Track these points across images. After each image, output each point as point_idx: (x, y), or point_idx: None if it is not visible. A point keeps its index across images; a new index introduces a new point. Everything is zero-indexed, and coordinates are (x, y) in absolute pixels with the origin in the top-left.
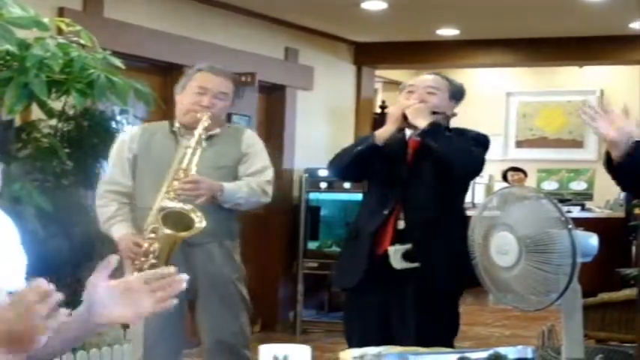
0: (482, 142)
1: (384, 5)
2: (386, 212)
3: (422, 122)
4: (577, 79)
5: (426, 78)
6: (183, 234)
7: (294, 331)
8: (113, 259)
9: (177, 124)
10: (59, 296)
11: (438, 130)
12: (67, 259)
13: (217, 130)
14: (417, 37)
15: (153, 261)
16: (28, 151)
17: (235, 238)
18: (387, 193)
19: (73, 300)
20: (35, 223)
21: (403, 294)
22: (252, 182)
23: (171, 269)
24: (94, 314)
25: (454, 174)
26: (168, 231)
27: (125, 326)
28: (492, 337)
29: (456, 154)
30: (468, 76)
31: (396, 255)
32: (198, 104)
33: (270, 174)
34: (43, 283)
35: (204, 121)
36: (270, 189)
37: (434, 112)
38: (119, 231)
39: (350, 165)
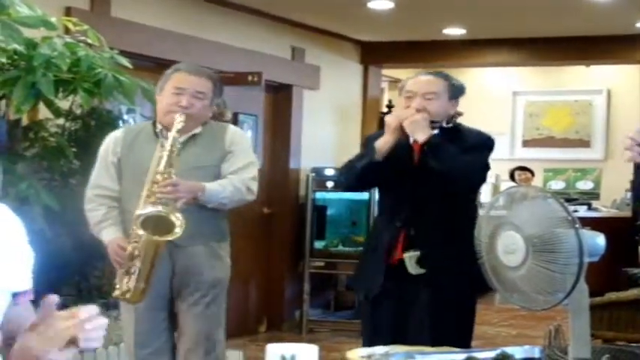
0: (485, 145)
1: (390, 5)
2: (399, 224)
3: (420, 136)
4: (584, 78)
5: (425, 82)
6: (161, 238)
7: (301, 330)
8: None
9: (159, 126)
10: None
11: (437, 146)
12: (74, 258)
13: (199, 129)
14: (423, 37)
15: (138, 264)
16: (35, 151)
17: (223, 239)
18: (398, 201)
19: (78, 298)
20: (42, 222)
21: (418, 300)
22: (236, 180)
23: (92, 309)
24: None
25: (458, 189)
26: (149, 236)
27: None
28: (499, 337)
29: (458, 170)
30: (474, 76)
31: (410, 261)
32: (177, 104)
33: (253, 170)
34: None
35: (178, 123)
36: (254, 185)
37: (433, 122)
38: (108, 235)
39: (357, 181)
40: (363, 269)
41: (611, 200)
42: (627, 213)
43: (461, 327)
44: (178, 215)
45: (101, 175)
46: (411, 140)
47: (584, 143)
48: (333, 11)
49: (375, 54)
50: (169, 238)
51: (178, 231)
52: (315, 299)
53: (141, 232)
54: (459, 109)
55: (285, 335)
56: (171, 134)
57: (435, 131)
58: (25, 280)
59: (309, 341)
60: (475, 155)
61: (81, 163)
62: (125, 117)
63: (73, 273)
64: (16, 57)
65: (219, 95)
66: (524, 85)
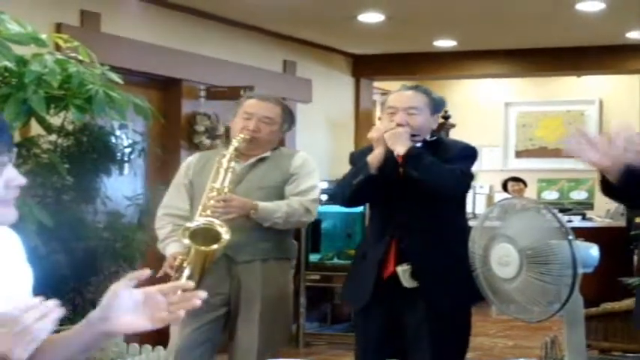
0: (467, 154)
1: (381, 17)
2: (390, 237)
3: (400, 149)
4: (576, 88)
5: (407, 97)
6: (203, 248)
7: (297, 343)
8: (146, 272)
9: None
10: (58, 312)
11: (418, 157)
12: (69, 275)
13: (267, 153)
14: (414, 49)
15: (186, 273)
16: (28, 167)
17: (283, 257)
18: (388, 213)
19: (74, 315)
20: (36, 239)
21: (413, 312)
22: (294, 201)
23: (190, 284)
24: (106, 319)
25: (440, 198)
26: (193, 245)
27: (128, 340)
28: (496, 348)
29: (439, 179)
30: (466, 87)
31: (404, 274)
32: (246, 128)
33: (315, 193)
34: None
35: (235, 142)
36: (314, 207)
37: (414, 135)
38: (170, 250)
39: (352, 197)
40: (354, 279)
41: (605, 210)
42: (621, 223)
43: (458, 337)
44: (225, 227)
45: (171, 196)
46: (395, 154)
47: None
48: (324, 24)
49: (366, 66)
50: (213, 247)
51: (223, 242)
52: (311, 312)
53: (186, 241)
54: (452, 121)
55: (281, 349)
56: (229, 151)
57: (418, 145)
58: (26, 296)
59: (306, 354)
60: (457, 164)
61: (74, 179)
62: (117, 133)
63: (68, 289)
64: (6, 74)
65: (290, 121)
66: (516, 96)
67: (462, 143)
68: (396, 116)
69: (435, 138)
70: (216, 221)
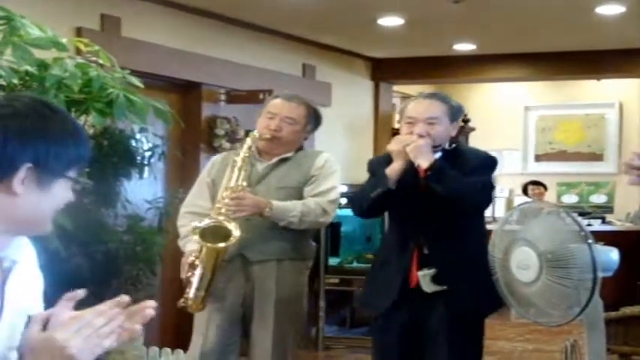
0: (488, 165)
1: (400, 21)
2: (412, 244)
3: (423, 162)
4: (595, 92)
5: (426, 107)
6: (213, 245)
7: (317, 347)
8: (80, 292)
9: (254, 148)
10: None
11: (441, 171)
12: (89, 278)
13: (290, 154)
14: (433, 53)
15: (196, 272)
16: None
17: (299, 257)
18: (409, 222)
19: None
20: (57, 242)
21: (433, 316)
22: (311, 202)
23: (125, 298)
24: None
25: (463, 211)
26: (204, 243)
27: (147, 344)
28: (515, 352)
29: (463, 193)
30: (485, 91)
31: (425, 279)
32: (267, 128)
33: (334, 195)
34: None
35: (249, 140)
36: (331, 209)
37: (434, 146)
38: (188, 248)
39: (370, 209)
40: (373, 286)
41: (625, 214)
42: None
43: (476, 341)
44: (234, 223)
45: (194, 194)
46: (415, 164)
47: (597, 157)
48: (344, 28)
49: (385, 70)
50: (222, 245)
51: (233, 239)
52: (330, 316)
53: (196, 238)
54: (471, 124)
55: (301, 352)
56: (242, 151)
57: (438, 155)
58: (37, 305)
59: (325, 358)
60: (479, 176)
61: (94, 182)
62: (137, 136)
63: (88, 293)
64: (27, 78)
65: (315, 123)
66: (536, 99)
67: (482, 153)
68: (416, 127)
69: (454, 146)
70: (225, 219)
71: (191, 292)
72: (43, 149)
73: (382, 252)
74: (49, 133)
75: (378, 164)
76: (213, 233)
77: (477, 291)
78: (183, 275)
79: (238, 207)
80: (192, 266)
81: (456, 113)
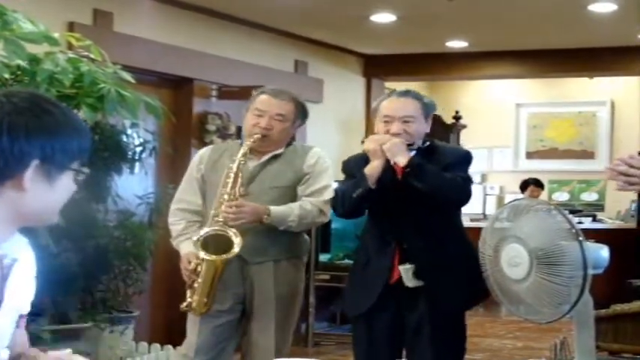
0: (464, 159)
1: (393, 18)
2: (391, 240)
3: (401, 160)
4: (587, 89)
5: (401, 105)
6: (216, 258)
7: (306, 343)
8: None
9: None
10: None
11: (419, 167)
12: (79, 273)
13: (280, 150)
14: (426, 49)
15: (199, 280)
16: None
17: (294, 256)
18: (387, 219)
19: (84, 313)
20: (47, 237)
21: (414, 311)
22: (307, 203)
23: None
24: None
25: (444, 206)
26: (206, 256)
27: (137, 339)
28: (505, 349)
29: (442, 189)
30: (477, 88)
31: (407, 273)
32: (257, 126)
33: (329, 194)
34: None
35: (246, 146)
36: (327, 208)
37: (409, 144)
38: (184, 249)
39: (352, 210)
40: (356, 288)
41: (616, 212)
42: (632, 224)
43: (459, 335)
44: (237, 233)
45: (184, 190)
46: (392, 162)
47: (589, 154)
48: (336, 25)
49: (377, 67)
50: (224, 257)
51: (235, 250)
52: (320, 312)
53: (202, 254)
54: (463, 121)
55: (291, 349)
56: (238, 156)
57: (413, 152)
58: (28, 304)
59: (315, 354)
60: (456, 171)
61: (85, 177)
62: (129, 132)
63: (78, 288)
64: (19, 72)
65: (303, 118)
66: (528, 96)
67: (457, 149)
68: (393, 126)
69: (428, 144)
70: (230, 230)
71: (195, 298)
72: (49, 145)
73: (361, 253)
74: (54, 128)
75: (354, 164)
76: (215, 241)
77: (457, 285)
78: (185, 279)
79: (237, 215)
80: (195, 272)
81: (429, 110)
